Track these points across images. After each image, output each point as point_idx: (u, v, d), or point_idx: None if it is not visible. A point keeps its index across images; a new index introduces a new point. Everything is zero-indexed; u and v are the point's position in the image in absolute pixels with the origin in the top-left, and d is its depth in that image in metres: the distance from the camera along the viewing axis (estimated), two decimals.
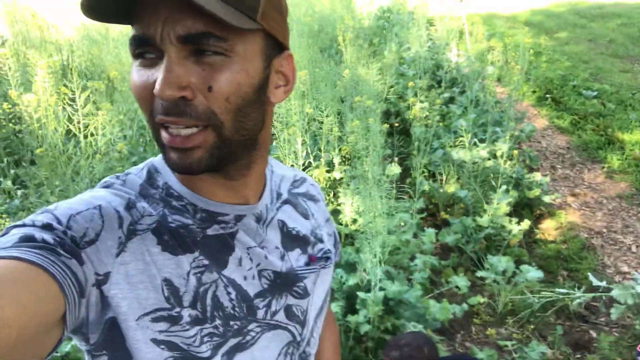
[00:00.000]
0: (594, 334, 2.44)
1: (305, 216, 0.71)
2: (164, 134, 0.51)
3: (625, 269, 2.96)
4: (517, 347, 2.23)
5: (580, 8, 9.40)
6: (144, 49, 0.49)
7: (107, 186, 0.58)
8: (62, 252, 0.47)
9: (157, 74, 0.48)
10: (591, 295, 2.40)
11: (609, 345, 2.29)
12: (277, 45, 0.55)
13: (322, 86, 3.38)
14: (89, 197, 0.55)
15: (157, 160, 0.61)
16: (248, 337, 0.59)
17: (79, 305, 0.48)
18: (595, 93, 5.27)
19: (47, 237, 0.47)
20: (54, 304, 0.44)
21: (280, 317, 0.63)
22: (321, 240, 0.72)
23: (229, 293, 0.58)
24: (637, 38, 7.35)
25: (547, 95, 5.36)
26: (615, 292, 2.15)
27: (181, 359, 0.54)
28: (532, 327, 2.46)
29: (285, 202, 0.69)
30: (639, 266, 2.98)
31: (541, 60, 6.28)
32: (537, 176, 3.33)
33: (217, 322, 0.56)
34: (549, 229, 3.30)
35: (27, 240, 0.46)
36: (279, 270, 0.63)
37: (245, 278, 0.60)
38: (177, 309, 0.54)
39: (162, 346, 0.53)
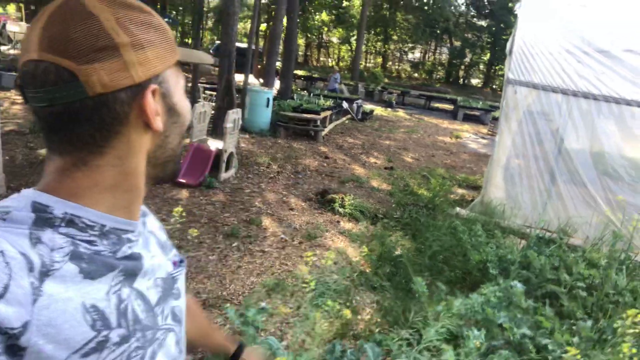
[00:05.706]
0: None
1: (159, 226, 0.76)
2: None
3: None
4: None
5: None
6: None
7: None
8: None
9: None
10: None
11: None
12: None
13: None
14: None
15: (34, 194, 0.55)
16: (155, 345, 0.61)
17: None
18: None
19: None
20: None
21: (169, 320, 0.66)
22: (171, 246, 0.76)
23: (139, 305, 0.59)
24: None
25: None
26: None
27: None
28: None
29: (143, 214, 0.70)
30: None
31: None
32: None
33: (138, 334, 0.58)
34: None
35: None
36: (164, 276, 0.67)
37: (147, 288, 0.62)
38: (105, 333, 0.53)
39: None
